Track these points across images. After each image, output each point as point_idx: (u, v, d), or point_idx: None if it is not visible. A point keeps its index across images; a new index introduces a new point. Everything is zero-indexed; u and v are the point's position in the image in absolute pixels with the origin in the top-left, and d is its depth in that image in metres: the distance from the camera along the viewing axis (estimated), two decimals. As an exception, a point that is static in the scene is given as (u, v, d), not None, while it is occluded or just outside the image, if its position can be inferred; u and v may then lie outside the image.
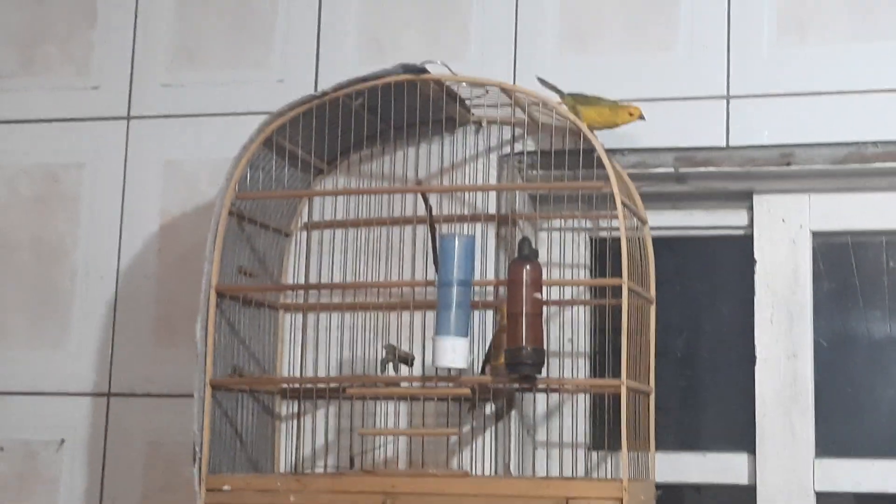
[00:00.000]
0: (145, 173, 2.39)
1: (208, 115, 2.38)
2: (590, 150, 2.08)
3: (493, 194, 2.22)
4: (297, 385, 2.18)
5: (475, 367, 2.09)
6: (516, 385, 1.92)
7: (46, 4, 2.48)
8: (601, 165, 2.08)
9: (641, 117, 2.07)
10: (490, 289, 2.16)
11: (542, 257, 2.24)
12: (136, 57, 2.43)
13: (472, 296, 1.94)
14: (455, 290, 1.90)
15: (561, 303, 2.19)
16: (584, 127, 1.99)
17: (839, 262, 2.21)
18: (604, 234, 2.16)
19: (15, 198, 2.44)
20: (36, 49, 2.47)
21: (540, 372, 1.89)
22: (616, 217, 1.96)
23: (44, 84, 2.46)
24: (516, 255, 1.92)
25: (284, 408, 2.24)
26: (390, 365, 1.98)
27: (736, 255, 2.25)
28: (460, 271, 1.91)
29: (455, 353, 1.88)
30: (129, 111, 2.42)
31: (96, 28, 2.45)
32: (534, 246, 1.92)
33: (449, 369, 1.91)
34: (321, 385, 2.15)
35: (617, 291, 1.99)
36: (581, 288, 2.24)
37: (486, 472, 2.13)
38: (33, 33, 2.47)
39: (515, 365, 1.87)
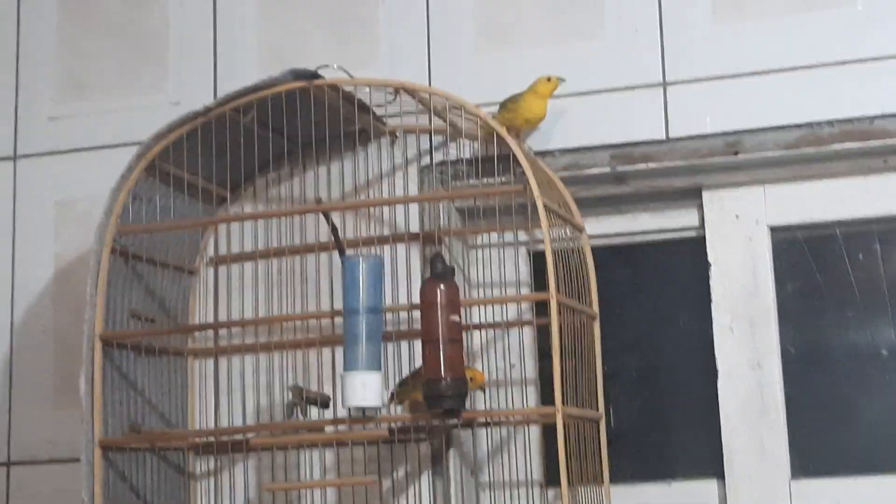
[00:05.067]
0: (36, 215, 2.18)
1: (101, 148, 2.17)
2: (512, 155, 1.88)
3: (415, 212, 2.00)
4: (208, 439, 1.95)
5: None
6: (436, 421, 1.68)
7: None
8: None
9: (561, 79, 1.90)
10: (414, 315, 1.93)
11: (477, 276, 2.03)
12: (20, 90, 2.21)
13: (385, 325, 1.72)
14: (363, 318, 1.68)
15: (495, 325, 1.96)
16: (496, 125, 1.78)
17: (802, 258, 1.98)
18: (540, 247, 1.93)
19: None
20: None
21: (463, 405, 1.66)
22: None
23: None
24: (428, 273, 1.69)
25: (200, 465, 2.01)
26: (297, 409, 1.75)
27: (688, 258, 2.03)
28: (368, 298, 1.69)
29: (366, 389, 1.66)
30: (16, 149, 2.20)
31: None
32: (449, 263, 1.70)
33: (362, 409, 1.68)
34: (236, 437, 1.92)
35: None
36: (523, 308, 2.02)
37: (426, 521, 1.90)
38: None
39: (435, 398, 1.65)
